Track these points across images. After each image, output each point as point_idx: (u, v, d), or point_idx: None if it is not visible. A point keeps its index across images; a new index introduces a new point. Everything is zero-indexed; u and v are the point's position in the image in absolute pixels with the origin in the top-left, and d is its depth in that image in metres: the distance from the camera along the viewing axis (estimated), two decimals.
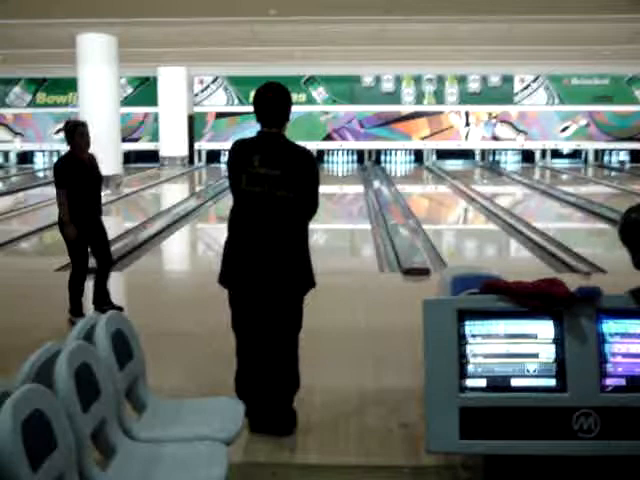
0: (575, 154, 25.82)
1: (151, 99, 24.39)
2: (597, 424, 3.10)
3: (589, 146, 25.55)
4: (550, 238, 10.84)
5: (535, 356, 3.18)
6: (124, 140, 20.44)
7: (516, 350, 3.19)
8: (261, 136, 4.13)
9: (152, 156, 24.68)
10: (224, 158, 25.23)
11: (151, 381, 3.57)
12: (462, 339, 3.18)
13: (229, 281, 4.13)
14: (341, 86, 25.15)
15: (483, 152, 25.79)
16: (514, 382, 3.17)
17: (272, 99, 4.12)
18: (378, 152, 25.42)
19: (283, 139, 4.11)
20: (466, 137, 25.51)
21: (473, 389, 3.16)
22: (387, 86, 25.34)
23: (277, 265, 4.01)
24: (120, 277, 8.88)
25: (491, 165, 25.08)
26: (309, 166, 4.12)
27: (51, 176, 23.95)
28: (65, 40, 16.08)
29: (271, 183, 3.98)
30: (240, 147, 4.20)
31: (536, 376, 3.17)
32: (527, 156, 25.59)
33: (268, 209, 3.99)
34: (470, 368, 3.17)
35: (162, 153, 24.19)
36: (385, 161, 25.35)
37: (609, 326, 3.20)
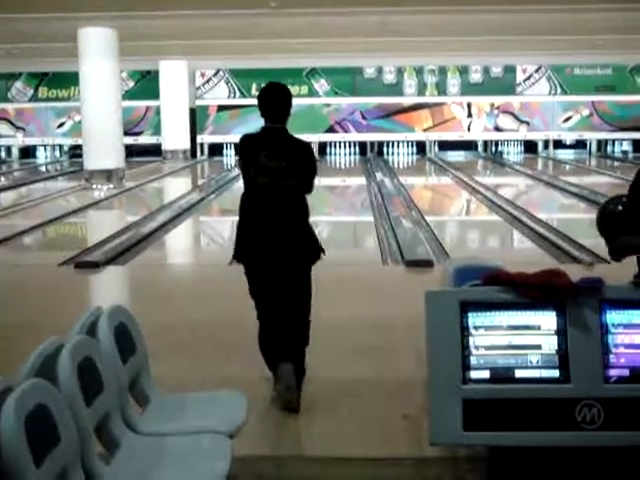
0: (579, 144, 25.75)
1: (153, 92, 24.36)
2: (600, 415, 3.10)
3: (592, 136, 25.49)
4: (553, 229, 10.83)
5: (538, 347, 3.18)
6: (126, 134, 20.43)
7: (519, 341, 3.18)
8: (266, 131, 4.55)
9: (154, 150, 24.71)
10: (226, 151, 25.26)
11: (154, 374, 3.57)
12: (465, 331, 3.18)
13: (243, 257, 4.59)
14: (343, 78, 25.10)
15: (485, 143, 25.75)
16: (517, 374, 3.16)
17: (276, 98, 4.53)
18: (380, 144, 25.38)
19: (286, 133, 4.54)
20: (468, 128, 25.47)
21: (476, 381, 3.16)
22: (389, 77, 25.30)
23: (286, 241, 4.47)
24: (123, 270, 8.90)
25: (494, 156, 25.05)
26: (309, 157, 4.64)
27: (54, 170, 23.89)
28: (66, 34, 16.05)
29: (277, 174, 4.44)
30: (247, 142, 4.62)
31: (539, 367, 3.16)
32: (529, 147, 25.54)
33: (275, 196, 4.47)
34: (473, 360, 3.17)
35: (164, 147, 24.17)
36: (387, 153, 25.31)
37: (612, 317, 3.19)
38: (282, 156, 4.45)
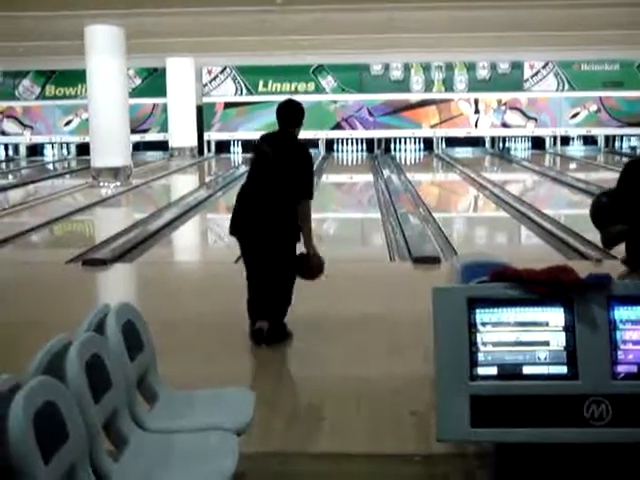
0: (587, 140, 25.68)
1: (160, 90, 24.37)
2: (609, 411, 3.09)
3: (599, 132, 25.42)
4: (560, 225, 10.81)
5: (546, 344, 3.17)
6: (133, 131, 20.45)
7: (527, 338, 3.17)
8: (278, 133, 5.63)
9: (161, 147, 24.78)
10: (233, 148, 25.26)
11: (161, 371, 3.58)
12: (472, 327, 3.17)
13: (238, 232, 5.52)
14: (350, 75, 25.07)
15: (493, 139, 25.70)
16: (525, 370, 3.15)
17: (288, 110, 5.58)
18: (387, 140, 25.34)
19: (293, 137, 5.60)
20: (476, 124, 25.42)
21: (484, 377, 3.15)
22: (396, 74, 25.26)
23: (272, 224, 5.40)
24: (130, 268, 8.91)
25: (501, 152, 25.00)
26: (306, 158, 5.59)
27: (61, 168, 24.01)
28: (73, 32, 16.07)
29: (276, 167, 5.44)
30: (263, 138, 5.75)
31: (547, 364, 3.15)
32: (537, 143, 25.48)
33: (272, 185, 5.42)
34: (480, 356, 3.16)
35: (171, 144, 24.19)
36: (395, 149, 25.28)
37: (620, 313, 3.18)
38: (285, 154, 5.50)
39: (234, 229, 5.55)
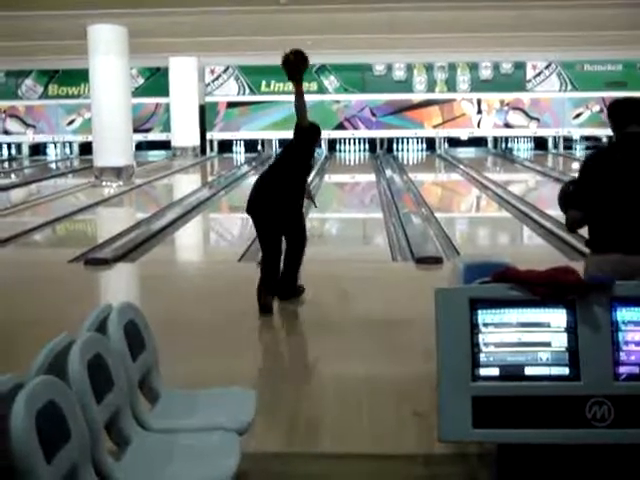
0: (593, 140, 25.65)
1: (162, 89, 24.38)
2: (611, 412, 3.09)
3: (602, 132, 25.38)
4: (563, 225, 10.77)
5: (548, 345, 3.17)
6: (136, 130, 20.46)
7: (529, 339, 3.17)
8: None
9: (164, 146, 24.80)
10: (236, 148, 25.27)
11: (163, 371, 3.58)
12: (474, 328, 3.17)
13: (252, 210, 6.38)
14: (352, 74, 25.07)
15: (495, 139, 25.68)
16: (527, 371, 3.15)
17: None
18: (390, 140, 25.34)
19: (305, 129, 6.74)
20: (478, 125, 25.40)
21: (486, 378, 3.15)
22: (399, 74, 25.26)
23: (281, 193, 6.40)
24: (132, 267, 8.92)
25: (503, 152, 24.99)
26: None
27: (64, 167, 24.02)
28: (76, 31, 16.08)
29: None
30: None
31: (549, 365, 3.15)
32: (540, 143, 25.46)
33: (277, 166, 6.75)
34: (482, 357, 3.16)
35: (174, 143, 24.19)
36: (397, 149, 25.28)
37: (622, 314, 3.17)
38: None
39: (249, 209, 6.38)
